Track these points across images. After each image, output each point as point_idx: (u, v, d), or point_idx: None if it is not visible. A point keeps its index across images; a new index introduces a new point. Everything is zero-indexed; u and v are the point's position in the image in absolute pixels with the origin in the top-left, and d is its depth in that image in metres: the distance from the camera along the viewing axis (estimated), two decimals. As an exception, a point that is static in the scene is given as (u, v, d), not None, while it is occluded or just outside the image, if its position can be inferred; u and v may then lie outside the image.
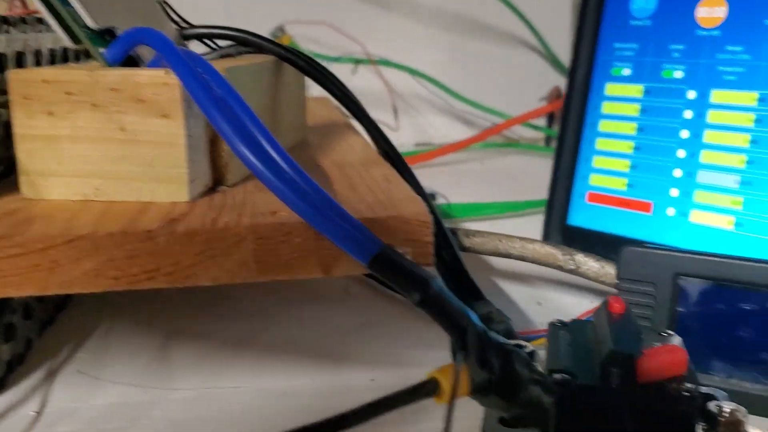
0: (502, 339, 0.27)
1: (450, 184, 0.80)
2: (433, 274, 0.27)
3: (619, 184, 0.50)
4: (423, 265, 0.30)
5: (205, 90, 0.28)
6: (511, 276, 0.51)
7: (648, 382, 0.28)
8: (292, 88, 0.45)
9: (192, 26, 0.45)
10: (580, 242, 0.47)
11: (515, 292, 0.48)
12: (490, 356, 0.26)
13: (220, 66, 0.32)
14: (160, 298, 0.48)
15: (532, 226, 0.55)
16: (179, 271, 0.27)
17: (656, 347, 0.30)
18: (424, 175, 0.84)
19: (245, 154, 0.27)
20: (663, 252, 0.36)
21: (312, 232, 0.28)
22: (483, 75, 1.05)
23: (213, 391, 0.36)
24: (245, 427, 0.33)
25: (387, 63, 0.95)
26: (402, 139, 1.04)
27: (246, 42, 0.44)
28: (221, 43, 0.45)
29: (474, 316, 0.27)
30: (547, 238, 0.53)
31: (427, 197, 0.39)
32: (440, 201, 0.71)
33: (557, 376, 0.29)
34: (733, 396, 0.33)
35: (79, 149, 0.31)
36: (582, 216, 0.52)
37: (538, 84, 1.00)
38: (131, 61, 0.35)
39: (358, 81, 0.96)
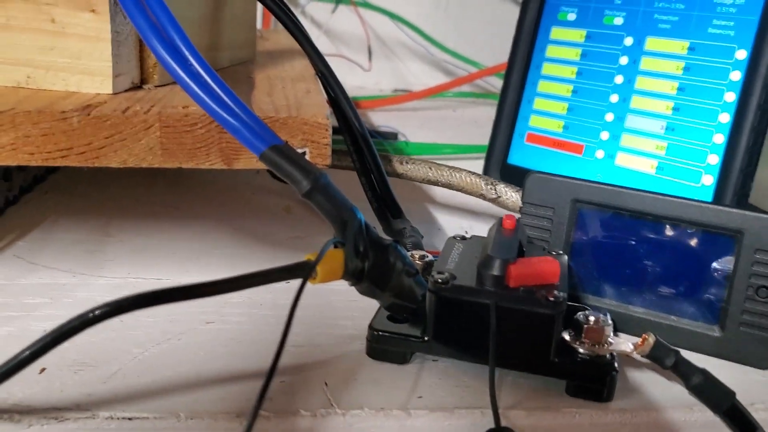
0: (379, 235, 0.30)
1: (416, 126, 0.82)
2: (324, 172, 0.29)
3: (555, 126, 0.52)
4: (321, 165, 0.32)
5: (123, -15, 0.30)
6: (447, 208, 0.54)
7: (519, 287, 0.31)
8: (237, 8, 0.47)
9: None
10: (517, 181, 0.49)
11: (446, 221, 0.51)
12: (366, 247, 0.29)
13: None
14: (105, 199, 0.50)
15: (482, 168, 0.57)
16: (91, 152, 0.30)
17: (531, 257, 0.33)
18: (395, 118, 0.86)
19: (154, 45, 0.29)
20: (563, 179, 0.38)
21: (215, 125, 0.30)
22: (466, 26, 1.06)
23: (136, 281, 0.39)
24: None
25: (367, 5, 0.95)
26: (381, 84, 1.06)
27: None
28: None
29: (357, 212, 0.29)
30: (486, 174, 0.55)
31: (350, 116, 0.41)
32: (400, 139, 0.73)
33: (438, 276, 0.32)
34: (626, 321, 0.36)
35: (12, 38, 0.33)
36: (520, 155, 0.54)
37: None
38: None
39: (336, 21, 0.97)
